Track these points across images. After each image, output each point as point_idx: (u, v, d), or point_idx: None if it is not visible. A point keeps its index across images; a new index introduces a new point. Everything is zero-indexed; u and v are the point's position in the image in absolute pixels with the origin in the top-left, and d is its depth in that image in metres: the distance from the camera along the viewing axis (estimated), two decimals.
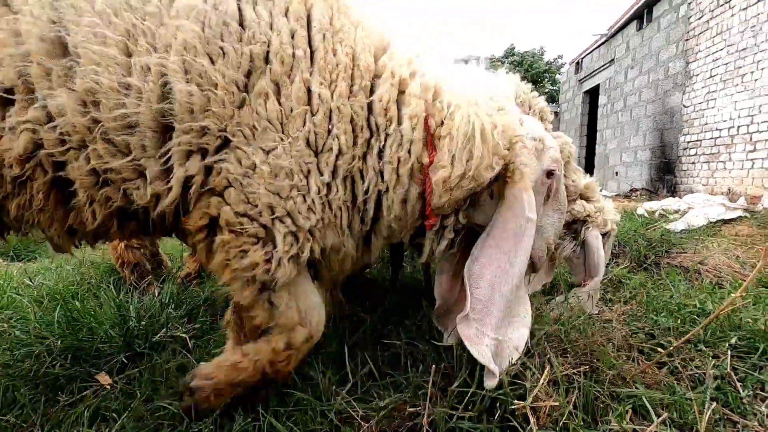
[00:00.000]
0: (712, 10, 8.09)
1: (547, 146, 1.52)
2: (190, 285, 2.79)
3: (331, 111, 1.20)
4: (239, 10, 1.16)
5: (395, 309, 2.14)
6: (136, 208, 1.21)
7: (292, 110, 1.17)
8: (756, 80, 7.05)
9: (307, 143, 1.19)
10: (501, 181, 1.42)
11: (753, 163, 7.13)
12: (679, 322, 1.95)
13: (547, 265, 2.35)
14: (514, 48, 30.19)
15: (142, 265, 2.73)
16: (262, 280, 1.21)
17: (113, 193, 1.16)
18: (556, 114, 16.58)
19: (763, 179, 6.87)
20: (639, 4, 10.43)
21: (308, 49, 1.20)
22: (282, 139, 1.16)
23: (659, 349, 1.65)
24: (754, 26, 7.09)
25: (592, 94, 14.20)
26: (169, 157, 1.14)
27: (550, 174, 1.54)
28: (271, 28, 1.17)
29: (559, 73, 25.68)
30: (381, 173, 1.28)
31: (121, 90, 1.09)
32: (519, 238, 1.36)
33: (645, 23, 10.51)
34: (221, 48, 1.13)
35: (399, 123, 1.27)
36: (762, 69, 6.93)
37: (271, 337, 1.29)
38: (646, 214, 5.61)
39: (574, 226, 2.40)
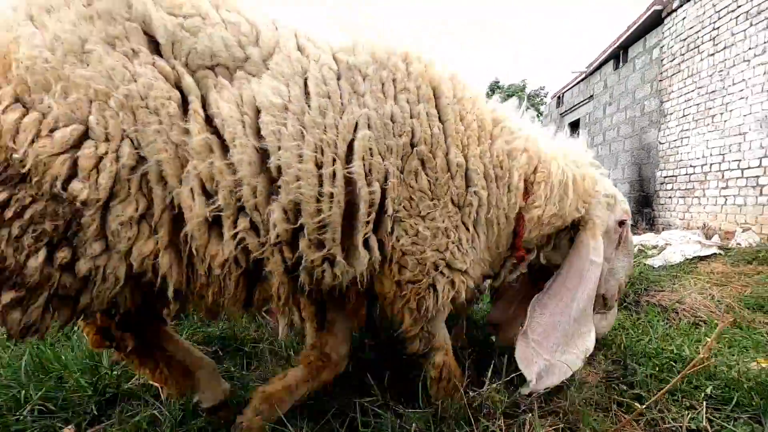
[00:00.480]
0: (683, 54, 8.55)
1: (618, 200, 1.87)
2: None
3: (467, 171, 1.46)
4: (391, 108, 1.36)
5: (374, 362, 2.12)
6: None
7: (437, 179, 1.41)
8: (725, 121, 7.41)
9: (452, 202, 1.45)
10: (576, 229, 1.76)
11: (726, 200, 7.40)
12: (657, 370, 1.97)
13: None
14: (498, 82, 31.21)
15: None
16: (427, 317, 1.52)
17: (304, 278, 1.33)
18: None
19: (736, 215, 7.12)
20: (615, 45, 10.96)
21: (441, 124, 1.42)
22: (435, 205, 1.41)
23: (636, 404, 1.66)
24: (722, 71, 7.50)
25: (573, 128, 14.68)
26: (354, 245, 1.34)
27: (621, 223, 1.86)
28: (411, 116, 1.37)
29: (542, 104, 26.51)
30: (498, 217, 1.57)
31: (318, 198, 1.24)
32: (583, 278, 1.64)
33: (621, 63, 11.02)
34: (387, 145, 1.33)
35: (510, 174, 1.54)
36: (731, 111, 7.29)
37: (433, 358, 1.61)
38: None
39: None
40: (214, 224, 1.20)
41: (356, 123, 1.29)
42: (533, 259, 1.82)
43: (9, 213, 1.03)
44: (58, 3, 1.07)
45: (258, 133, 1.19)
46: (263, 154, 1.20)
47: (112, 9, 1.09)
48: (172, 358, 1.65)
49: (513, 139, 1.57)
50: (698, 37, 8.16)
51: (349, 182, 1.28)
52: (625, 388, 1.85)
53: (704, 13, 8.02)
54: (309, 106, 1.24)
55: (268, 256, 1.26)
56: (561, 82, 17.84)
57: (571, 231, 1.79)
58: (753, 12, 6.91)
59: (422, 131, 1.37)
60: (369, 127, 1.30)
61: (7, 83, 1.04)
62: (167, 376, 1.66)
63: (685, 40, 8.52)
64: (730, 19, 7.38)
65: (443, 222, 1.43)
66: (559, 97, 15.25)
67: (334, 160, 1.25)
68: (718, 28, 7.64)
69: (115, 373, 1.84)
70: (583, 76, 13.04)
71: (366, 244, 1.35)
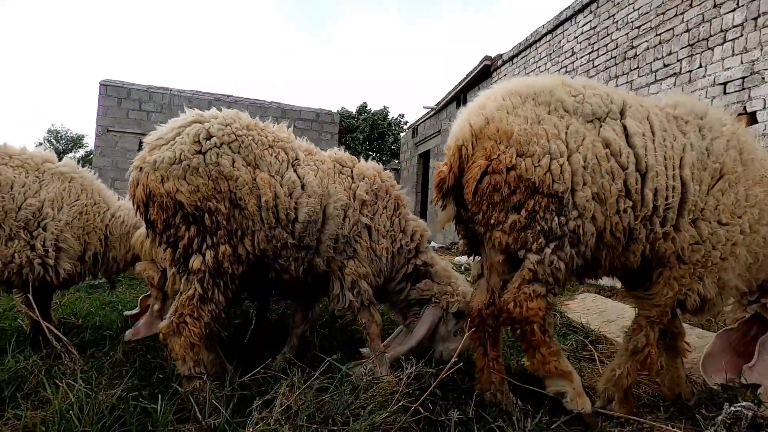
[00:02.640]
0: None
1: None
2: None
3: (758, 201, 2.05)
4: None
5: None
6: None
7: (737, 201, 2.01)
8: None
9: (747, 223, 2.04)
10: None
11: None
12: None
13: None
14: (366, 105, 32.87)
15: None
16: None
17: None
18: (397, 171, 18.46)
19: None
20: (458, 89, 12.69)
21: (743, 167, 2.04)
22: (740, 217, 2.01)
23: None
24: None
25: (426, 157, 16.33)
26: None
27: None
28: (724, 151, 2.05)
29: (402, 131, 28.77)
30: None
31: (666, 187, 1.96)
32: None
33: (463, 104, 12.75)
34: (703, 163, 2.02)
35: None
36: None
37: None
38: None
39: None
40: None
41: (683, 147, 1.99)
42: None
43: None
44: (518, 102, 1.98)
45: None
46: (636, 156, 1.94)
47: (546, 100, 1.99)
48: None
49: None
50: None
51: (683, 181, 1.96)
52: None
53: (519, 73, 9.88)
54: (653, 134, 1.99)
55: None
56: (416, 113, 19.73)
57: None
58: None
59: (732, 164, 2.02)
60: (692, 149, 2.00)
61: (510, 146, 1.89)
62: None
63: None
64: None
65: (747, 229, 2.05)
66: (414, 129, 16.84)
67: (674, 166, 1.95)
68: None
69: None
70: (434, 112, 14.71)
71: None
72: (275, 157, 2.18)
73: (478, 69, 11.21)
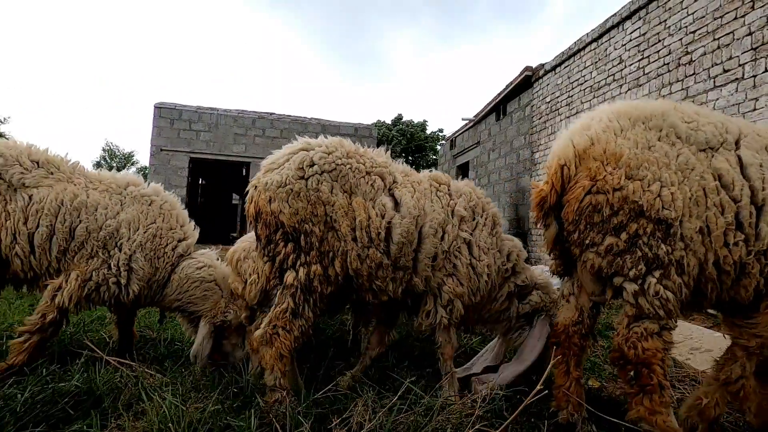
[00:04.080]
0: (547, 114, 10.17)
1: None
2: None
3: None
4: None
5: None
6: None
7: None
8: None
9: None
10: None
11: None
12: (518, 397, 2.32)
13: None
14: (401, 117, 33.18)
15: None
16: None
17: None
18: None
19: None
20: (497, 100, 12.58)
21: None
22: None
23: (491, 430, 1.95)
24: None
25: (464, 168, 16.22)
26: None
27: None
28: None
29: (439, 145, 28.82)
30: None
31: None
32: None
33: (502, 115, 12.64)
34: None
35: None
36: None
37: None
38: None
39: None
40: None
41: None
42: None
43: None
44: (627, 125, 1.98)
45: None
46: (752, 189, 1.87)
47: (658, 125, 1.97)
48: None
49: None
50: (558, 102, 9.80)
51: None
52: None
53: (562, 82, 9.70)
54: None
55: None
56: (454, 126, 19.63)
57: None
58: (595, 86, 8.57)
59: None
60: None
61: (618, 167, 1.87)
62: None
63: (549, 102, 10.16)
64: (580, 90, 9.04)
65: None
66: (452, 141, 16.79)
67: None
68: (572, 96, 9.29)
69: None
70: (472, 124, 14.62)
71: None
72: (371, 185, 2.26)
73: (519, 78, 11.08)
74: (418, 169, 2.61)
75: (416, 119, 33.57)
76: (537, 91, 10.65)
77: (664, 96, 6.84)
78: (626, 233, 1.85)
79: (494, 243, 2.52)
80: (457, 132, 16.16)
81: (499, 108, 12.82)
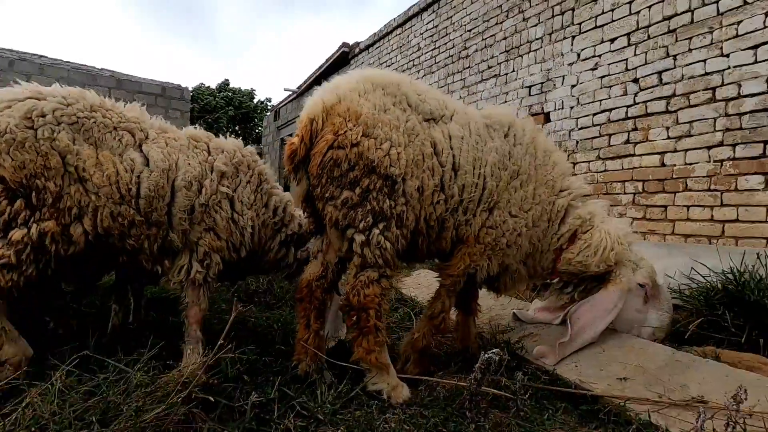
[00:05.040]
0: None
1: (640, 267, 2.53)
2: None
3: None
4: None
5: None
6: None
7: (525, 197, 2.45)
8: None
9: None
10: (608, 278, 2.48)
11: None
12: None
13: None
14: (228, 83, 30.47)
15: None
16: None
17: None
18: (260, 154, 17.61)
19: None
20: (318, 73, 12.59)
21: (533, 162, 2.50)
22: (527, 212, 2.43)
23: None
24: None
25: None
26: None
27: (641, 285, 2.52)
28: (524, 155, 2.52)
29: (266, 115, 27.60)
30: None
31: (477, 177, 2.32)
32: (602, 314, 2.43)
33: None
34: (504, 165, 2.40)
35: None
36: None
37: None
38: None
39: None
40: None
41: (491, 150, 2.32)
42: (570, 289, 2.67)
43: None
44: (369, 89, 2.15)
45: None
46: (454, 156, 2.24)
47: (393, 92, 2.19)
48: None
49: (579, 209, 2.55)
50: None
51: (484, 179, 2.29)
52: None
53: (374, 62, 10.24)
54: (470, 137, 2.28)
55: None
56: (282, 96, 19.04)
57: (602, 280, 2.51)
58: (399, 70, 9.29)
59: (526, 167, 2.41)
60: (496, 153, 2.32)
61: (358, 125, 2.03)
62: None
63: None
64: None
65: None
66: (276, 112, 16.25)
67: (481, 165, 2.27)
68: None
69: None
70: (295, 95, 14.37)
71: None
72: (119, 140, 2.15)
73: (337, 54, 11.28)
74: (246, 142, 2.63)
75: (244, 87, 31.36)
76: (353, 68, 10.99)
77: (448, 84, 7.85)
78: (360, 188, 2.01)
79: (259, 198, 2.58)
80: (281, 103, 15.70)
81: (320, 81, 12.85)
